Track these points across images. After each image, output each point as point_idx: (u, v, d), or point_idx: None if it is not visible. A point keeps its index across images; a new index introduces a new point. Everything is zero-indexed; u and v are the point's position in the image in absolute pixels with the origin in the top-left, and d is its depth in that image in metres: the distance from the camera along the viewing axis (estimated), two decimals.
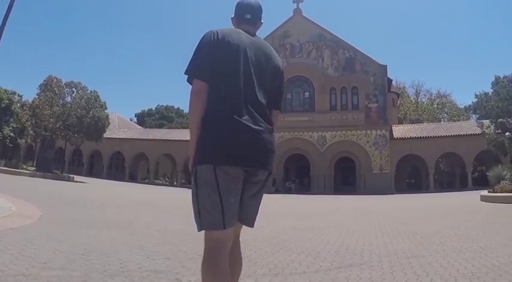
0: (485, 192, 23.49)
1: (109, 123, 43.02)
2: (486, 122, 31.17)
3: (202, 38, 2.84)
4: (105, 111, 42.42)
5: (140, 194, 26.44)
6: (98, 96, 41.87)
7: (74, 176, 41.18)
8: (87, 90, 42.13)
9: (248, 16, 3.07)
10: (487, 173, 29.04)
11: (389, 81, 52.55)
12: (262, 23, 3.23)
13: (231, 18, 3.17)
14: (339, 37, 52.33)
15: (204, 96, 2.70)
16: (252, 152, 2.66)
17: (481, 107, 61.03)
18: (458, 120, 65.95)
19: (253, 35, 3.03)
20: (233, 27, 3.11)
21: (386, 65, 50.06)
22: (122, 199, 19.79)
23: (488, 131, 28.73)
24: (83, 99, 40.85)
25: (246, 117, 2.65)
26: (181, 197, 21.52)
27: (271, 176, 2.90)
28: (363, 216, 15.82)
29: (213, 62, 2.73)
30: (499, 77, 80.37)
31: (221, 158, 2.59)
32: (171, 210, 15.26)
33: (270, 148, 2.77)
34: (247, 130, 2.63)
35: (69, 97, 42.13)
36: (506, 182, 23.58)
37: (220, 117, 2.64)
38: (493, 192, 22.41)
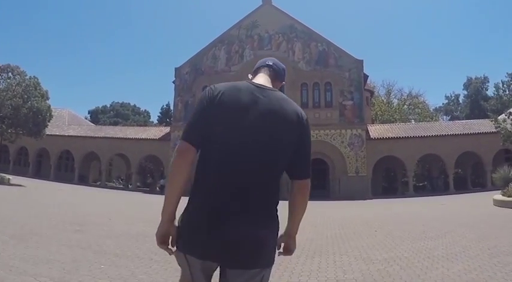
0: (499, 196, 21.56)
1: (51, 116, 37.81)
2: (501, 116, 28.26)
3: (201, 95, 2.57)
4: (47, 101, 37.28)
5: (81, 202, 22.22)
6: (39, 83, 36.69)
7: (13, 177, 36.24)
8: (26, 76, 36.76)
9: (270, 62, 2.87)
10: (492, 175, 28.24)
11: (366, 77, 49.35)
12: (283, 83, 2.94)
13: (250, 75, 2.91)
14: (312, 29, 48.87)
15: (190, 157, 2.39)
16: (225, 248, 2.30)
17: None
18: (429, 121, 64.52)
19: (268, 89, 2.60)
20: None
21: (362, 60, 46.75)
22: (38, 217, 15.52)
23: (503, 126, 25.72)
24: (21, 87, 35.43)
25: (228, 201, 2.33)
26: (136, 210, 18.03)
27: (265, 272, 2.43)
28: (351, 238, 12.12)
29: (203, 127, 2.44)
30: (471, 78, 79.73)
31: (188, 248, 2.39)
32: (112, 249, 9.94)
33: (255, 245, 2.33)
34: (223, 220, 2.30)
35: (3, 83, 36.71)
36: None
37: (196, 198, 2.43)
38: (507, 195, 20.76)
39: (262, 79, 2.71)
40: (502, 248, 9.17)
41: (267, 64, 2.82)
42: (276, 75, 2.81)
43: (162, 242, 2.45)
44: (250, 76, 2.87)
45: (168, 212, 2.43)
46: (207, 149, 2.44)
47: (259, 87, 2.57)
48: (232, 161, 2.38)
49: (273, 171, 2.48)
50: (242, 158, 2.38)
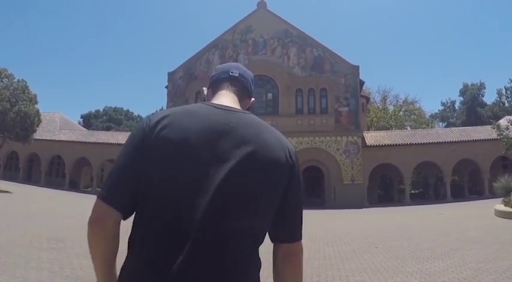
0: (501, 206, 21.28)
1: (40, 120, 36.98)
2: (503, 122, 27.71)
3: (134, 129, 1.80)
4: (36, 105, 36.44)
5: (66, 211, 21.39)
6: (27, 87, 35.88)
7: (2, 182, 35.56)
8: (14, 79, 35.90)
9: (235, 72, 2.00)
10: (493, 184, 27.40)
11: (362, 83, 48.62)
12: (252, 100, 2.08)
13: (204, 89, 2.07)
14: (307, 34, 48.04)
15: (108, 228, 1.63)
16: None
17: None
18: (425, 128, 63.78)
19: (237, 111, 1.80)
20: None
21: (358, 66, 45.93)
22: (13, 230, 14.56)
23: (506, 134, 25.22)
24: (8, 90, 34.53)
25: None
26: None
27: None
28: (351, 257, 11.29)
29: (132, 179, 1.64)
30: (467, 84, 79.45)
31: None
32: (86, 273, 8.52)
33: None
34: None
35: None
36: None
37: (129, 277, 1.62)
38: (508, 205, 20.65)
39: (226, 98, 1.90)
40: None
41: (232, 75, 1.98)
42: (244, 90, 2.01)
43: None
44: (205, 90, 2.05)
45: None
46: (144, 209, 1.63)
47: (224, 109, 1.77)
48: (180, 230, 1.54)
49: (247, 240, 1.65)
50: (195, 224, 1.54)
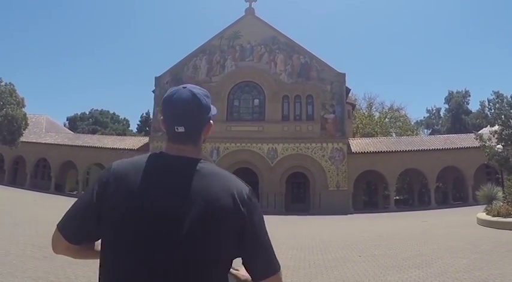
0: (483, 215, 21.81)
1: (27, 124, 36.99)
2: (485, 132, 28.17)
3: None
4: (23, 109, 36.45)
5: (54, 217, 21.20)
6: (14, 90, 35.88)
7: None
8: (1, 82, 35.90)
9: (181, 129, 1.93)
10: (476, 192, 27.75)
11: (348, 90, 49.01)
12: (210, 125, 2.07)
13: (160, 119, 2.06)
14: (294, 41, 48.46)
15: (59, 249, 1.95)
16: None
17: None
18: (410, 135, 64.52)
19: (190, 161, 1.90)
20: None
21: (344, 73, 46.41)
22: (5, 239, 14.81)
23: (488, 144, 25.66)
24: None
25: None
26: None
27: None
28: (335, 266, 11.60)
29: (84, 220, 1.90)
30: (452, 92, 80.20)
31: None
32: None
33: None
34: None
35: None
36: (499, 201, 22.73)
37: None
38: (490, 214, 21.12)
39: (174, 149, 1.97)
40: (495, 281, 8.80)
41: (178, 132, 1.93)
42: (194, 135, 2.00)
43: None
44: (161, 122, 2.05)
45: None
46: (102, 257, 1.84)
47: (175, 159, 1.92)
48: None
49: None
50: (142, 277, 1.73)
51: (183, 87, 2.01)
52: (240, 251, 1.83)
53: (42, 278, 8.42)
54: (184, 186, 1.80)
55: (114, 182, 1.85)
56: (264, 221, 1.93)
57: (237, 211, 1.81)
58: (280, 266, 1.91)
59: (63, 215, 1.97)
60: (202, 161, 1.93)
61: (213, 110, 2.10)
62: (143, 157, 1.98)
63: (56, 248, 1.96)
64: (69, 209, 1.97)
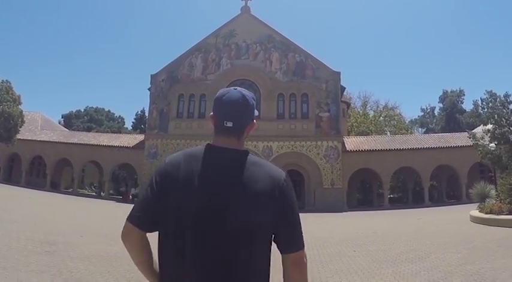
0: (476, 212, 21.95)
1: (23, 121, 37.00)
2: (478, 131, 28.40)
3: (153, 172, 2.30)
4: (19, 106, 36.46)
5: (52, 215, 21.45)
6: (11, 87, 35.87)
7: None
8: None
9: (229, 124, 2.24)
10: (469, 190, 28.27)
11: (343, 89, 49.14)
12: (254, 124, 2.35)
13: (210, 115, 2.34)
14: (290, 39, 48.62)
15: (134, 239, 2.21)
16: None
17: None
18: (405, 134, 64.91)
19: (235, 152, 2.22)
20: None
21: (339, 72, 46.54)
22: (5, 235, 14.92)
23: (481, 143, 25.90)
24: None
25: None
26: (108, 224, 17.23)
27: None
28: (330, 261, 11.82)
29: (151, 205, 2.19)
30: (447, 91, 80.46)
31: None
32: (83, 275, 8.86)
33: None
34: None
35: None
36: (492, 199, 23.05)
37: None
38: (483, 211, 21.34)
39: (224, 142, 2.27)
40: (485, 274, 9.03)
41: (227, 127, 2.24)
42: (240, 130, 2.30)
43: None
44: (211, 118, 2.33)
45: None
46: (161, 239, 2.17)
47: (223, 152, 2.22)
48: (187, 254, 2.05)
49: (243, 260, 2.06)
50: (198, 250, 2.03)
51: (234, 89, 2.34)
52: (276, 227, 2.13)
53: (45, 271, 8.58)
54: (232, 173, 2.13)
55: (171, 173, 2.17)
56: (296, 203, 2.24)
57: (276, 193, 2.12)
58: (304, 246, 2.23)
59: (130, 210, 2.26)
60: (243, 151, 2.25)
61: (255, 113, 2.38)
62: (194, 149, 2.28)
63: (128, 239, 2.21)
64: (136, 203, 2.27)
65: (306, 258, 2.23)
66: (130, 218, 2.20)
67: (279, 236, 2.16)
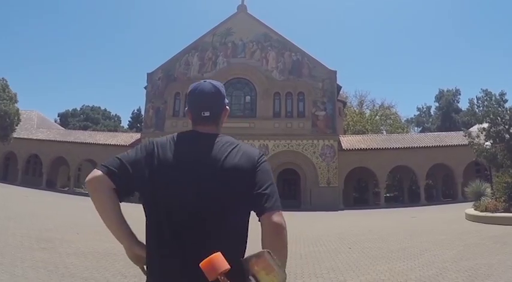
0: (471, 210, 22.04)
1: (19, 119, 36.94)
2: (474, 130, 28.48)
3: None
4: (16, 105, 36.37)
5: (48, 212, 21.42)
6: (7, 85, 35.81)
7: None
8: None
9: (206, 113, 2.46)
10: (465, 188, 28.19)
11: (339, 88, 49.19)
12: (227, 110, 2.60)
13: (186, 110, 2.57)
14: (286, 38, 48.60)
15: (102, 187, 2.22)
16: None
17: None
18: (401, 133, 64.73)
19: (214, 135, 2.43)
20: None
21: (336, 71, 46.54)
22: (1, 231, 14.90)
23: (477, 141, 25.99)
24: None
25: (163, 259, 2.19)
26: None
27: None
28: (325, 257, 11.84)
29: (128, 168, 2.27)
30: (443, 90, 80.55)
31: None
32: (80, 271, 9.50)
33: None
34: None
35: None
36: (487, 197, 23.06)
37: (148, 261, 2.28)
38: (478, 209, 21.38)
39: (203, 128, 2.47)
40: (480, 270, 9.07)
41: (204, 117, 2.44)
42: (216, 117, 2.52)
43: (136, 262, 2.35)
44: (186, 112, 2.55)
45: (122, 240, 2.30)
46: (146, 213, 2.28)
47: (203, 135, 2.42)
48: (169, 223, 2.18)
49: (222, 230, 2.19)
50: (181, 222, 2.16)
51: (204, 81, 2.55)
52: (252, 194, 2.25)
53: (41, 267, 8.61)
54: (212, 152, 2.30)
55: (158, 149, 2.31)
56: (272, 174, 2.38)
57: (252, 167, 2.30)
58: (281, 209, 2.29)
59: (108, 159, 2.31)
60: (221, 135, 2.46)
61: (226, 101, 2.60)
62: (180, 133, 2.47)
63: (96, 185, 2.22)
64: (116, 159, 2.31)
65: (284, 221, 2.24)
66: (106, 170, 2.24)
67: (256, 200, 2.24)
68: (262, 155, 2.42)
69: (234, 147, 2.36)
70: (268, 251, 1.93)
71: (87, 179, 2.24)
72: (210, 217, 2.17)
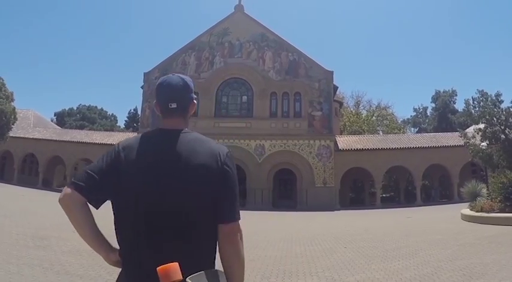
0: (467, 211, 22.01)
1: (16, 118, 36.87)
2: (470, 131, 28.55)
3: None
4: (12, 103, 36.30)
5: (44, 211, 21.41)
6: (4, 84, 35.74)
7: None
8: None
9: (173, 105, 2.47)
10: (460, 189, 28.35)
11: (335, 88, 49.10)
12: (194, 103, 2.61)
13: (154, 103, 2.60)
14: (283, 38, 48.58)
15: (73, 204, 2.26)
16: None
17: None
18: (397, 133, 64.84)
19: (179, 131, 2.43)
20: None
21: (332, 71, 46.52)
22: None
23: (473, 142, 26.03)
24: None
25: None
26: (97, 219, 16.98)
27: None
28: (321, 256, 11.86)
29: (102, 186, 2.29)
30: (439, 91, 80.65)
31: None
32: (75, 269, 9.68)
33: None
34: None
35: None
36: (483, 198, 23.06)
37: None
38: (474, 210, 21.33)
39: (171, 123, 2.48)
40: (474, 269, 9.09)
41: (171, 108, 2.46)
42: (184, 109, 2.53)
43: (118, 266, 2.35)
44: (155, 105, 2.57)
45: (99, 251, 2.35)
46: (115, 215, 2.33)
47: (168, 132, 2.43)
48: (138, 223, 2.21)
49: (187, 228, 2.23)
50: (149, 223, 2.19)
51: (172, 74, 2.57)
52: (215, 197, 2.27)
53: (37, 265, 8.62)
54: (177, 150, 2.30)
55: (122, 153, 2.33)
56: (236, 177, 2.40)
57: (217, 166, 2.31)
58: (240, 218, 2.35)
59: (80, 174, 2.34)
60: (187, 130, 2.45)
61: (194, 95, 2.61)
62: (146, 133, 2.48)
63: (68, 203, 2.25)
64: (84, 172, 2.33)
65: (241, 234, 2.34)
66: (75, 186, 2.26)
67: (216, 206, 2.27)
68: (227, 154, 2.41)
69: (199, 145, 2.37)
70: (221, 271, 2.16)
71: (59, 197, 2.28)
72: (177, 217, 2.20)
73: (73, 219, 2.26)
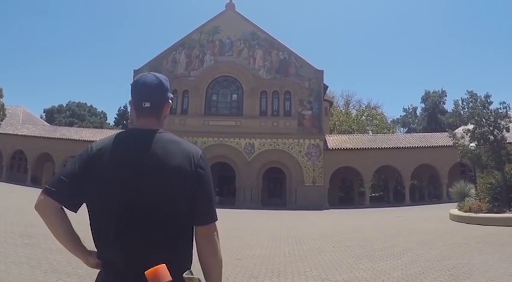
0: (455, 211, 22.16)
1: (5, 115, 36.70)
2: (459, 131, 28.65)
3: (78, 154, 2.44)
4: (1, 99, 36.14)
5: (32, 208, 21.15)
6: None
7: None
8: None
9: (147, 104, 2.43)
10: (449, 189, 28.80)
11: (325, 87, 49.23)
12: (169, 103, 2.58)
13: (129, 101, 2.70)
14: (274, 37, 48.65)
15: (48, 210, 2.26)
16: None
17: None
18: (387, 133, 64.91)
19: (154, 132, 2.40)
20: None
21: (322, 70, 46.66)
22: None
23: (461, 142, 26.12)
24: None
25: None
26: (86, 216, 16.95)
27: None
28: (309, 255, 11.87)
29: (75, 190, 2.27)
30: (429, 91, 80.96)
31: None
32: (63, 266, 9.37)
33: None
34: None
35: None
36: (472, 198, 23.28)
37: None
38: (462, 210, 21.57)
39: (144, 122, 2.46)
40: (462, 269, 9.12)
41: (145, 107, 2.43)
42: (158, 109, 2.50)
43: (97, 268, 2.34)
44: (130, 103, 2.61)
45: (77, 255, 2.36)
46: (90, 217, 2.30)
47: (142, 132, 2.40)
48: (111, 225, 2.20)
49: (163, 227, 2.21)
50: (123, 224, 2.17)
51: (148, 73, 2.55)
52: (190, 199, 2.25)
53: (24, 263, 8.58)
54: (151, 152, 2.28)
55: (95, 154, 2.30)
56: (211, 179, 2.39)
57: (192, 168, 2.28)
58: (217, 218, 2.37)
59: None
60: (161, 131, 2.43)
61: (170, 95, 2.59)
62: (119, 133, 2.44)
63: (45, 209, 2.25)
64: (56, 177, 2.33)
65: (217, 233, 2.36)
66: (47, 191, 2.25)
67: (191, 208, 2.26)
68: (201, 155, 2.40)
69: (173, 145, 2.35)
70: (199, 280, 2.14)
71: (34, 204, 2.26)
72: (152, 218, 2.18)
73: (49, 225, 2.27)
